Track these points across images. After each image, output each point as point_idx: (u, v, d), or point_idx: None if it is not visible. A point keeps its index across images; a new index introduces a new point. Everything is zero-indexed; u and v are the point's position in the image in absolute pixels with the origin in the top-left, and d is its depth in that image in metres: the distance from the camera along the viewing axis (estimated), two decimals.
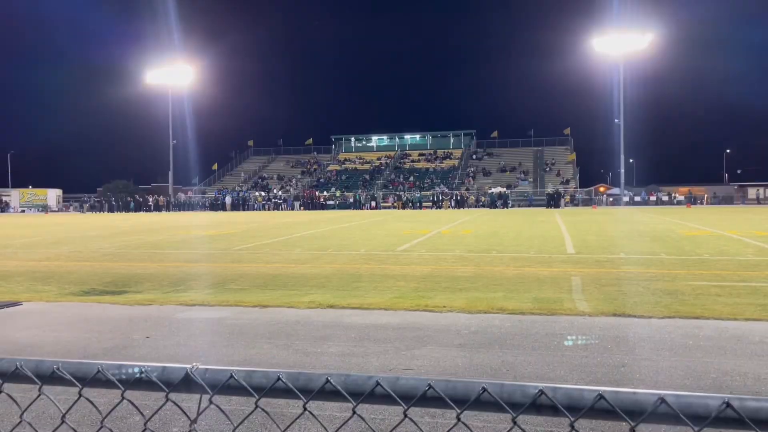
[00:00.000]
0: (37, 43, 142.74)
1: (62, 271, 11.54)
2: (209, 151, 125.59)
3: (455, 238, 18.19)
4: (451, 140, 77.50)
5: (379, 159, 74.64)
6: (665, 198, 58.72)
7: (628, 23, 54.99)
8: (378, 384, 1.00)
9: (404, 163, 73.41)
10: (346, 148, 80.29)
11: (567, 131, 71.71)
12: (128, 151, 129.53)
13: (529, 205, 54.81)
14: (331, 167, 74.47)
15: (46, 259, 13.71)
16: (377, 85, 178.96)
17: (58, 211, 63.25)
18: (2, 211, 61.84)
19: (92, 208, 59.58)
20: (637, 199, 58.88)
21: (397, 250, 14.61)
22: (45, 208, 63.07)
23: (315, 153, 79.66)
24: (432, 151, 74.75)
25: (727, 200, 61.17)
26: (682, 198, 58.23)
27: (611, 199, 59.55)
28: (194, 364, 1.11)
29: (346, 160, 76.20)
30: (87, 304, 8.00)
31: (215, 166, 75.43)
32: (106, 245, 17.02)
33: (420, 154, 74.68)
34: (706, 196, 59.93)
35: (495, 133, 74.64)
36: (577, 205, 55.18)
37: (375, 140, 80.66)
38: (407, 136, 79.89)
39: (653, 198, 58.68)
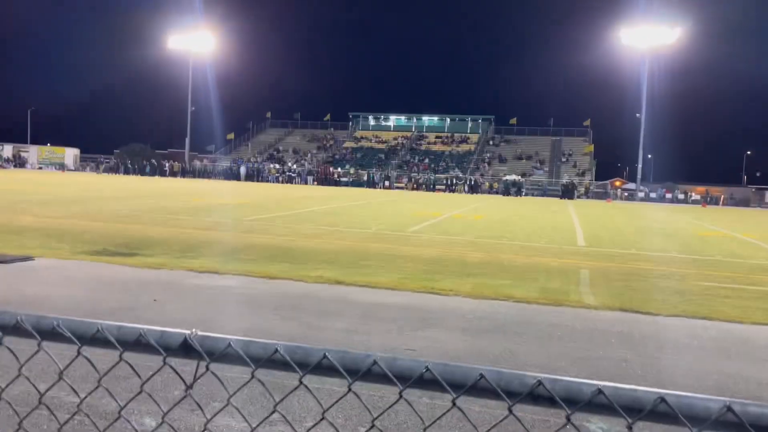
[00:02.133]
0: (61, 2, 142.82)
1: (76, 229, 11.65)
2: (227, 119, 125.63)
3: (467, 223, 18.14)
4: (469, 124, 76.81)
5: (395, 139, 74.30)
6: (681, 196, 58.07)
7: (657, 16, 53.91)
8: (375, 363, 1.00)
9: (420, 144, 73.04)
10: (363, 125, 79.94)
11: (587, 122, 70.75)
12: (147, 114, 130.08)
13: (543, 195, 54.48)
14: (347, 144, 74.27)
15: (61, 216, 13.86)
16: (398, 65, 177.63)
17: (74, 170, 63.76)
18: (20, 167, 62.47)
19: (108, 170, 60.02)
20: (653, 195, 58.27)
21: (407, 231, 14.60)
22: (62, 167, 63.59)
23: (332, 129, 79.43)
24: (449, 134, 74.23)
25: (744, 202, 60.35)
26: (697, 197, 57.54)
27: (626, 194, 59.00)
28: (193, 330, 1.11)
29: (362, 137, 75.93)
30: (98, 264, 8.09)
31: (231, 136, 75.43)
32: (120, 207, 17.16)
33: (437, 137, 74.22)
34: (722, 196, 59.17)
35: (513, 120, 73.87)
36: (591, 197, 54.76)
37: (392, 120, 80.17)
38: (425, 118, 79.31)
39: (669, 195, 58.04)
